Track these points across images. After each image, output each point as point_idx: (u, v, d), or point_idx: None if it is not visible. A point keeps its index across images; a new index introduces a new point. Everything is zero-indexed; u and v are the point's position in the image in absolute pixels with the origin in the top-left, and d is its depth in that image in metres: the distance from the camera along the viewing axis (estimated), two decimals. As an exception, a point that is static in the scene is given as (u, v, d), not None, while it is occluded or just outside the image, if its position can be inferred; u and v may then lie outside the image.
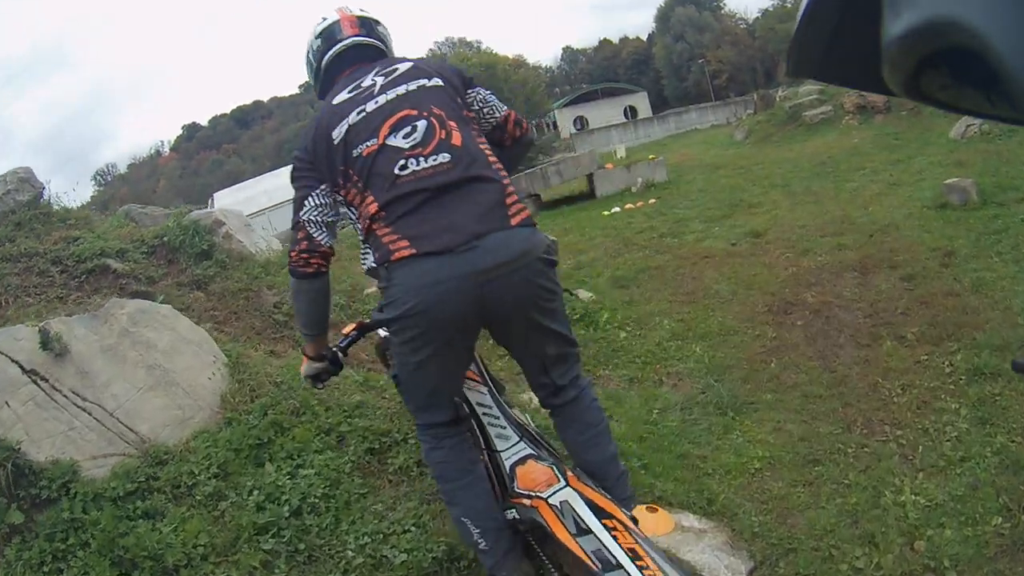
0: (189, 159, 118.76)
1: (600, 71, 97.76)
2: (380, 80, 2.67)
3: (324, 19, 3.00)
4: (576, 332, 3.54)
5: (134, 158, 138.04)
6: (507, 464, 2.92)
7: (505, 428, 3.03)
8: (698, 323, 6.39)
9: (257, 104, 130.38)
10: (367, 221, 2.52)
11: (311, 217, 2.62)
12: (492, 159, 2.59)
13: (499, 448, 2.99)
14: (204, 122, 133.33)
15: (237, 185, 54.42)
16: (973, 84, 0.64)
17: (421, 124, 2.52)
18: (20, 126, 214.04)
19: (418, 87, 2.64)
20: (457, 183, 2.45)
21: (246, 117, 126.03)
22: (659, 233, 10.58)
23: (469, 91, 2.83)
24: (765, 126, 24.01)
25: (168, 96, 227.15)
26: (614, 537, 2.16)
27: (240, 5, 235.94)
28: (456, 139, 2.51)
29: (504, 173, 2.61)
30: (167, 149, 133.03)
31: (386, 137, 2.51)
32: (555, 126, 58.27)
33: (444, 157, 2.46)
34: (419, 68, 2.74)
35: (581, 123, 56.99)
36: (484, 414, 3.06)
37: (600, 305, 7.13)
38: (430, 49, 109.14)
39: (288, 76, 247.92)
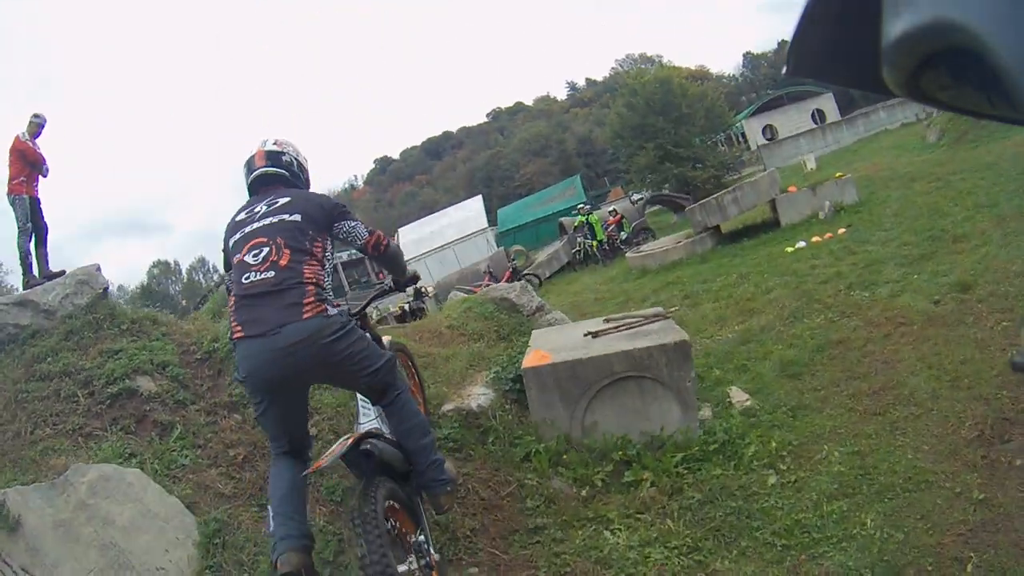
0: (383, 191, 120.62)
1: (783, 75, 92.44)
2: (263, 209, 3.78)
3: (250, 151, 4.15)
4: (709, 470, 5.09)
5: (330, 192, 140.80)
6: (358, 430, 4.12)
7: (368, 411, 4.28)
8: (879, 460, 4.75)
9: (447, 135, 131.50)
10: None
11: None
12: (307, 274, 3.57)
13: (359, 421, 4.31)
14: (396, 155, 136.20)
15: (421, 220, 54.73)
16: (973, 84, 0.69)
17: (265, 250, 3.61)
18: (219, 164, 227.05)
19: (279, 220, 3.70)
20: (273, 292, 3.49)
21: (436, 148, 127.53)
22: (847, 283, 9.15)
23: (336, 224, 3.87)
24: (957, 123, 21.58)
25: (360, 131, 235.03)
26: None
27: (422, 37, 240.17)
28: (284, 261, 3.57)
29: (310, 283, 3.54)
30: (360, 183, 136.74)
31: (245, 255, 3.63)
32: (743, 138, 55.86)
33: (269, 274, 3.53)
34: (291, 203, 3.79)
35: (770, 132, 54.21)
36: (361, 402, 4.39)
37: (753, 418, 5.84)
38: (612, 68, 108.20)
39: (475, 106, 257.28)
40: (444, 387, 6.37)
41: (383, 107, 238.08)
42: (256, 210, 3.77)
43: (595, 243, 23.85)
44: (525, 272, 23.89)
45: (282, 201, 3.77)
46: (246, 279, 3.52)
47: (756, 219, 17.39)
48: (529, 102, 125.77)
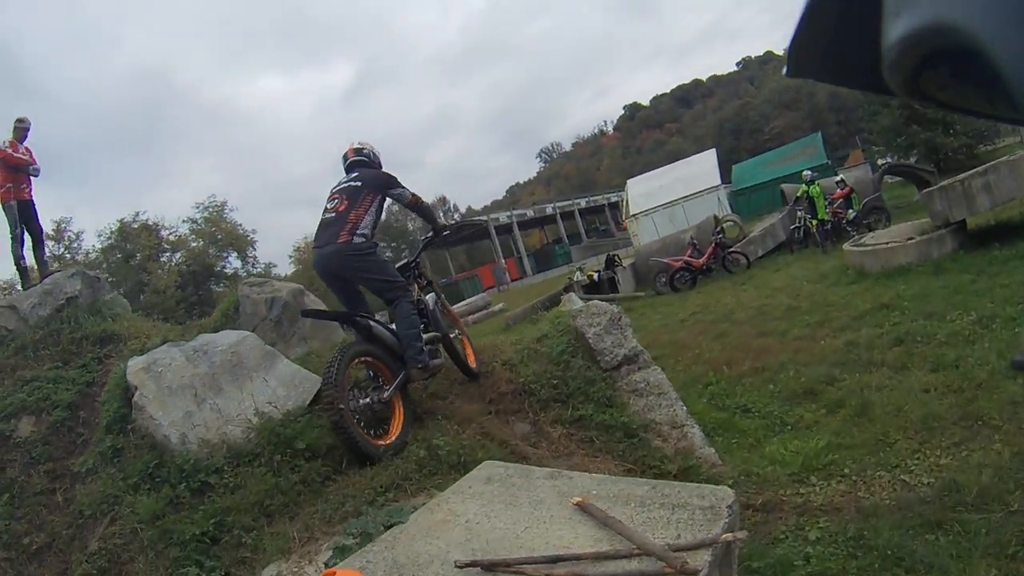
0: (632, 138, 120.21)
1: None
2: (344, 180, 6.11)
3: (343, 149, 6.53)
4: None
5: (578, 137, 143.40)
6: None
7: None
8: None
9: (696, 83, 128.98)
10: None
11: None
12: (351, 217, 5.74)
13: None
14: (646, 102, 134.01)
15: (651, 172, 51.10)
16: (973, 84, 0.68)
17: (335, 201, 5.90)
18: (467, 108, 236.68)
19: (348, 186, 5.97)
20: (329, 223, 5.80)
21: (687, 96, 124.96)
22: None
23: (389, 190, 6.09)
24: None
25: (613, 78, 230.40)
26: None
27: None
28: (342, 207, 5.81)
29: (353, 222, 5.73)
30: (611, 128, 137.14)
31: (327, 203, 5.98)
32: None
33: (331, 215, 5.83)
34: (359, 176, 6.09)
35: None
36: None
37: None
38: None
39: (727, 55, 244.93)
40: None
41: (635, 53, 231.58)
42: (342, 180, 6.17)
43: (815, 221, 19.35)
44: (732, 249, 20.35)
45: (355, 174, 6.14)
46: (323, 217, 5.93)
47: (1014, 218, 13.09)
48: (779, 51, 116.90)
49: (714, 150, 50.41)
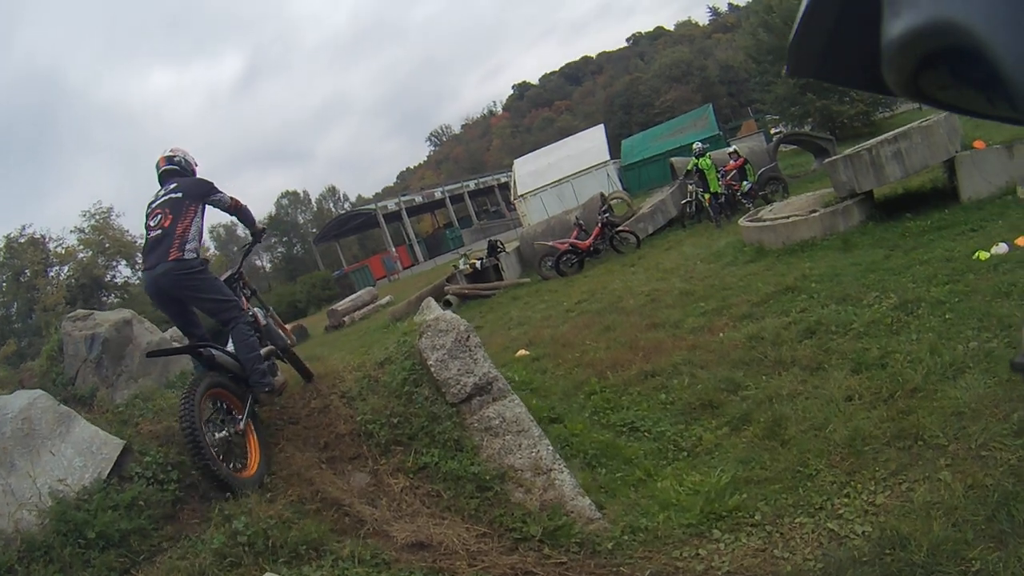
0: (521, 117, 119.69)
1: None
2: (162, 193, 5.83)
3: (156, 158, 6.20)
4: None
5: (467, 118, 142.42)
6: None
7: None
8: None
9: (586, 60, 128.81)
10: None
11: None
12: (179, 231, 5.52)
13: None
14: (536, 81, 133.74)
15: (538, 151, 49.67)
16: (973, 84, 0.68)
17: (159, 217, 5.60)
18: (356, 95, 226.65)
19: (168, 198, 5.71)
20: (157, 241, 5.52)
21: (576, 73, 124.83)
22: None
23: (207, 196, 5.88)
24: None
25: (504, 58, 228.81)
26: None
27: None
28: (167, 223, 5.55)
29: (181, 236, 5.52)
30: (500, 109, 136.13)
31: (150, 221, 5.67)
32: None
33: (157, 232, 5.55)
34: (177, 186, 5.84)
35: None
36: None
37: None
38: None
39: (615, 31, 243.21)
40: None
41: (521, 33, 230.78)
42: (159, 192, 5.91)
43: (707, 195, 17.95)
44: (620, 228, 18.98)
45: (173, 184, 5.88)
46: (148, 236, 5.65)
47: (924, 186, 12.02)
48: (670, 27, 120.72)
49: (602, 125, 49.12)
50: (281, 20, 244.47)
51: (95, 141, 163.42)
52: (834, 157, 12.64)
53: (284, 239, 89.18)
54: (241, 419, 5.41)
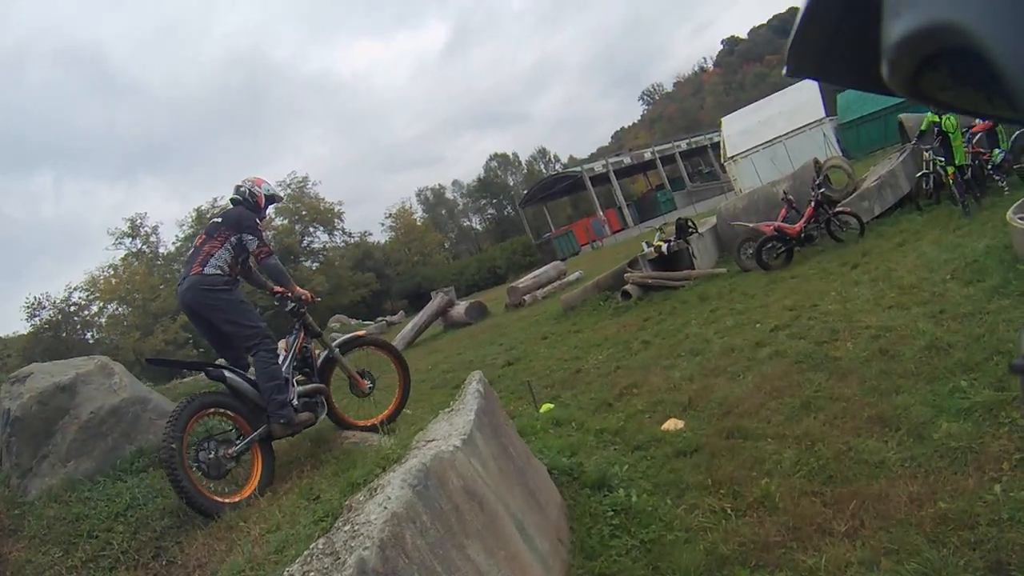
0: (733, 73, 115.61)
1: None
2: (211, 218, 6.59)
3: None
4: None
5: (679, 76, 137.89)
6: None
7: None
8: None
9: (792, 10, 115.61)
10: None
11: None
12: (205, 250, 5.81)
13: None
14: (744, 35, 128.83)
15: (748, 107, 44.47)
16: (973, 85, 0.67)
17: (197, 239, 6.07)
18: (567, 57, 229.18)
19: (211, 223, 6.17)
20: (189, 259, 5.93)
21: (784, 25, 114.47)
22: None
23: (242, 233, 5.93)
24: None
25: (709, 12, 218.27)
26: None
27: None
28: (199, 242, 5.95)
29: (207, 254, 5.80)
30: (711, 65, 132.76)
31: (195, 240, 6.12)
32: None
33: (191, 251, 6.02)
34: (223, 212, 6.28)
35: None
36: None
37: None
38: None
39: None
40: None
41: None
42: (212, 219, 6.29)
43: (951, 169, 12.66)
44: (839, 208, 14.43)
45: (223, 212, 6.28)
46: (189, 252, 6.10)
47: None
48: None
49: (815, 78, 43.22)
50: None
51: (305, 111, 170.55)
52: None
53: (494, 201, 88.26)
54: (238, 445, 5.44)
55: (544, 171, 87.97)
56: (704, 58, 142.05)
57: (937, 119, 12.84)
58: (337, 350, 6.64)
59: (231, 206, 6.30)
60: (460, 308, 25.32)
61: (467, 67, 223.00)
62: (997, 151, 13.41)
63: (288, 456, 6.54)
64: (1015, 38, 0.53)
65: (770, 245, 14.19)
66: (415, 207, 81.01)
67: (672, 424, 6.95)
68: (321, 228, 57.59)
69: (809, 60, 0.88)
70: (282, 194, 7.38)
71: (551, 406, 8.77)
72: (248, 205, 6.26)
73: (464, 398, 4.86)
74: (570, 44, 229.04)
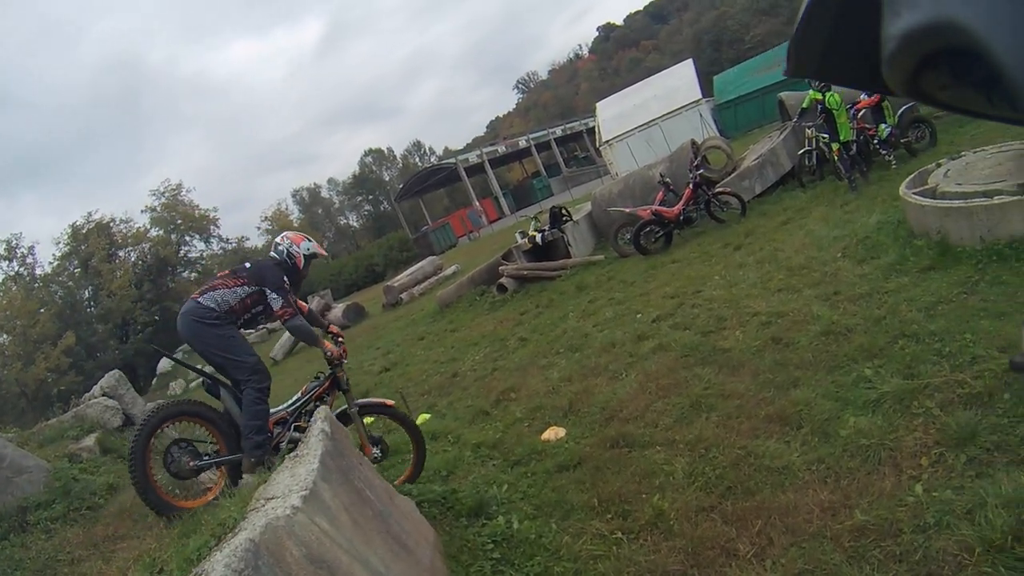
0: (608, 59, 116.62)
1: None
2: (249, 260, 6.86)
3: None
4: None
5: (554, 64, 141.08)
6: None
7: (296, 399, 6.19)
8: None
9: None
10: None
11: None
12: (215, 283, 5.91)
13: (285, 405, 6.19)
14: (620, 21, 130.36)
15: (623, 91, 44.70)
16: (973, 84, 0.66)
17: (224, 271, 6.22)
18: (443, 48, 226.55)
19: (242, 264, 6.29)
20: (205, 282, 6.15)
21: (661, 12, 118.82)
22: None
23: (265, 288, 5.89)
24: None
25: (587, 1, 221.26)
26: None
27: None
28: (220, 272, 6.19)
29: (214, 287, 5.87)
30: (586, 52, 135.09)
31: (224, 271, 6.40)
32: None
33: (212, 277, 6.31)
34: (253, 261, 6.36)
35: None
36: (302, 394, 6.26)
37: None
38: None
39: None
40: None
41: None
42: (245, 261, 6.71)
43: (836, 146, 12.42)
44: (719, 189, 14.08)
45: (255, 261, 6.36)
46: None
47: None
48: None
49: (691, 60, 43.41)
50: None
51: (181, 116, 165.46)
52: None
53: (370, 197, 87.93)
54: (202, 462, 5.53)
55: (420, 164, 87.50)
56: (580, 45, 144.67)
57: (820, 96, 12.55)
58: (356, 409, 6.45)
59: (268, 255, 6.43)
60: (337, 311, 24.87)
61: (343, 63, 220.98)
62: (883, 126, 13.34)
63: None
64: (1015, 37, 0.53)
65: (648, 229, 13.71)
66: (291, 208, 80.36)
67: (552, 433, 6.49)
68: (197, 236, 55.93)
69: (810, 59, 0.88)
70: (324, 252, 7.55)
71: (427, 416, 8.48)
72: (285, 266, 6.28)
73: (308, 441, 4.34)
74: (447, 36, 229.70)
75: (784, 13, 74.46)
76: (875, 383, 5.02)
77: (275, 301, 5.91)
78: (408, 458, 6.56)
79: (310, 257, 6.52)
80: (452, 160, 59.13)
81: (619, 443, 5.76)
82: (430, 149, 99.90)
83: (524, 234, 16.55)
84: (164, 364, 36.06)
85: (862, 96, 13.66)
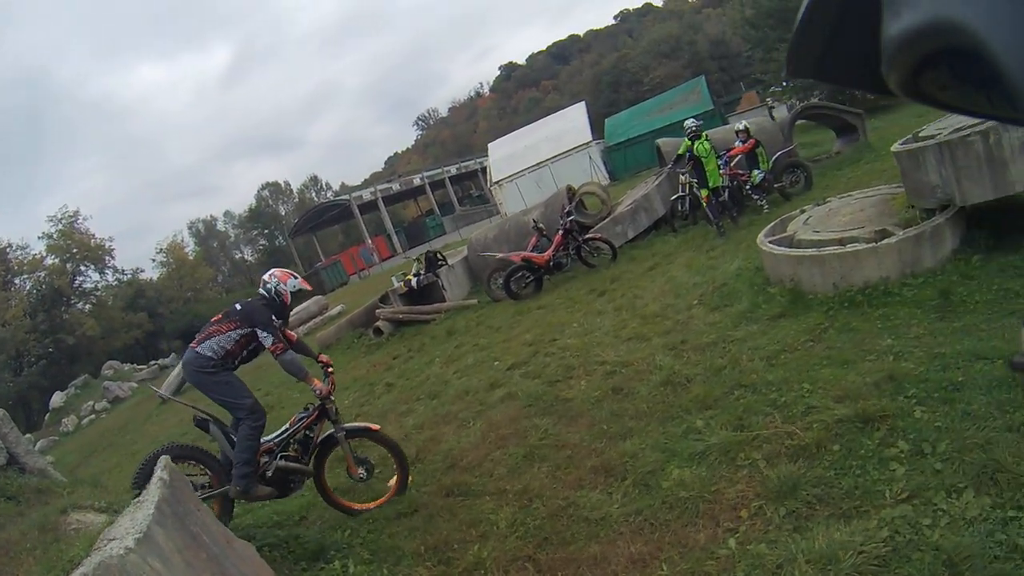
0: (508, 98, 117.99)
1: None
2: (239, 303, 6.65)
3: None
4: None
5: (454, 101, 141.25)
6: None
7: (284, 430, 6.48)
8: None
9: (573, 39, 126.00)
10: None
11: None
12: (210, 331, 6.26)
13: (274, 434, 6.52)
14: (522, 61, 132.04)
15: (515, 132, 45.31)
16: (973, 84, 0.66)
17: (217, 316, 6.47)
18: (346, 82, 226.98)
19: (231, 309, 6.48)
20: (202, 328, 6.44)
21: (563, 52, 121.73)
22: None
23: (255, 327, 6.22)
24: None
25: (493, 40, 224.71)
26: None
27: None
28: (214, 318, 6.45)
29: (209, 334, 6.25)
30: (487, 90, 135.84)
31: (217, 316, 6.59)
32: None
33: (207, 323, 6.51)
34: (246, 303, 6.53)
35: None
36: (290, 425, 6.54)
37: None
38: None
39: (603, 9, 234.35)
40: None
41: (510, 14, 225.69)
42: (236, 303, 6.70)
43: (705, 192, 12.62)
44: (590, 235, 14.15)
45: (244, 302, 6.58)
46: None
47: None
48: (659, 2, 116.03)
49: (583, 103, 44.42)
50: (267, 11, 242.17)
51: (85, 139, 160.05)
52: (919, 142, 7.63)
53: (265, 231, 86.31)
54: (201, 493, 5.92)
55: (316, 199, 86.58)
56: (480, 83, 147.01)
57: (690, 143, 12.70)
58: (343, 434, 6.69)
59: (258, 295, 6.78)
60: (225, 350, 23.67)
61: (247, 92, 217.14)
62: (757, 172, 13.71)
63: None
64: (1015, 37, 0.53)
65: (519, 275, 13.76)
66: (187, 240, 77.66)
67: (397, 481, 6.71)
68: (92, 267, 53.73)
69: (809, 61, 0.84)
70: (309, 286, 7.62)
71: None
72: (272, 304, 6.61)
73: (149, 488, 4.71)
74: (352, 69, 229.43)
75: (685, 55, 76.69)
76: (704, 435, 5.01)
77: (266, 339, 6.32)
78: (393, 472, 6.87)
79: (296, 293, 6.86)
80: (346, 197, 58.93)
81: (454, 491, 5.96)
82: (327, 184, 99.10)
83: (400, 278, 16.35)
84: (57, 399, 34.17)
85: (736, 143, 13.97)
